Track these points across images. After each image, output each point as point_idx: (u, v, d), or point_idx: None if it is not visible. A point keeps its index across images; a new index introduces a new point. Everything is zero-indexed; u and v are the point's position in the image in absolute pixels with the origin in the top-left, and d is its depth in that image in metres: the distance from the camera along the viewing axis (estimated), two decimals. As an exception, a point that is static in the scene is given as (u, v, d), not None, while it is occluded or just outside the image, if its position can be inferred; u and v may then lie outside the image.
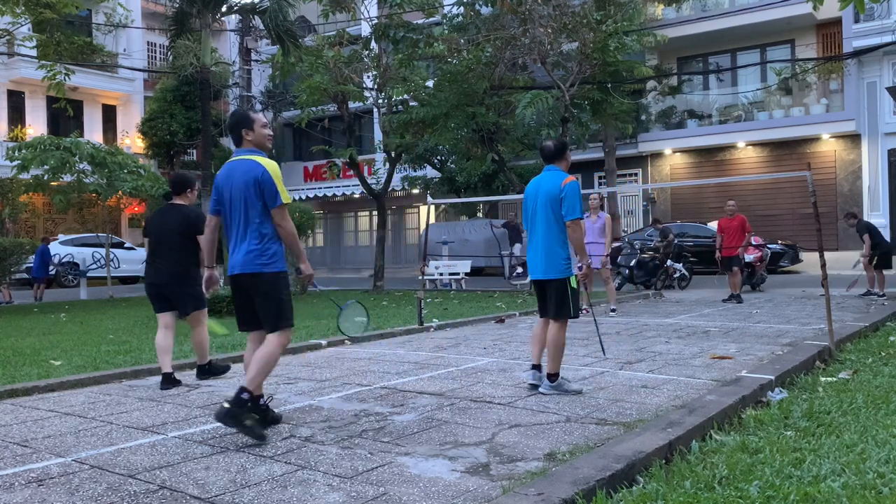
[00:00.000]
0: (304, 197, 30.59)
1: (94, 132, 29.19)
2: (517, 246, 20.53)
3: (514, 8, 14.01)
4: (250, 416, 4.12)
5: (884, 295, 12.15)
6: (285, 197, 4.33)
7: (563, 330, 5.28)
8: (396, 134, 17.38)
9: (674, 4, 24.39)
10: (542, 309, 5.46)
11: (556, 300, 5.24)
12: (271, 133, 4.57)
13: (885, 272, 12.58)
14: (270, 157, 4.52)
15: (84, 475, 3.63)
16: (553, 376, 5.25)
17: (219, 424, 4.54)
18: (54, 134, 23.05)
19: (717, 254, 12.77)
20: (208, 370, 6.20)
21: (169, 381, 5.79)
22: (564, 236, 5.26)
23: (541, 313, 5.50)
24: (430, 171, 25.80)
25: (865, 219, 21.51)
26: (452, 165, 23.93)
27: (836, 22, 21.87)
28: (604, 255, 11.05)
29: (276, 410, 4.65)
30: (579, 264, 5.49)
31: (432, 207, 15.46)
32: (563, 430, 4.21)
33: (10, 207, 23.74)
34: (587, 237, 11.13)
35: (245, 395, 4.12)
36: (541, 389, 5.28)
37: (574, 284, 5.28)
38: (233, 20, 30.59)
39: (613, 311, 11.05)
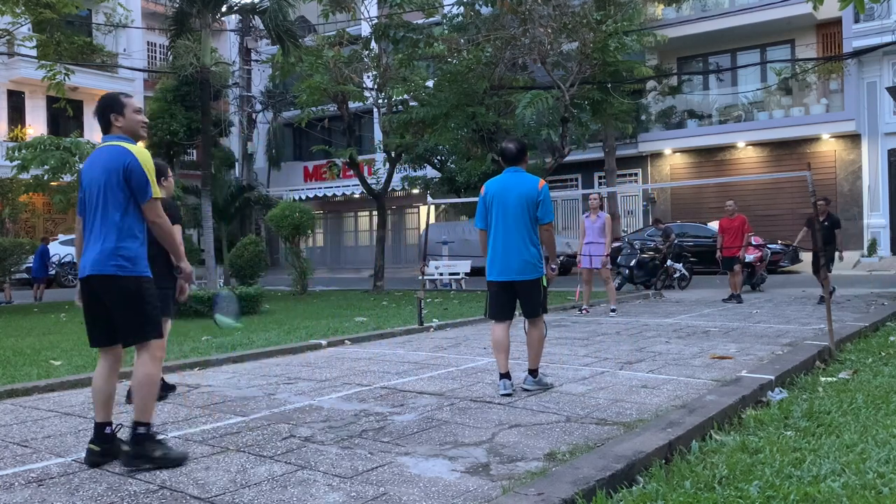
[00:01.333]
0: (304, 197, 30.58)
1: (94, 132, 29.14)
2: None
3: (514, 8, 14.01)
4: (157, 446, 3.71)
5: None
6: (157, 191, 3.83)
7: (542, 326, 5.42)
8: (396, 134, 17.38)
9: (674, 4, 24.40)
10: (504, 312, 5.42)
11: (534, 300, 5.35)
12: (146, 120, 4.05)
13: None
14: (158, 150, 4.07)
15: (84, 475, 3.63)
16: (535, 372, 5.42)
17: (220, 424, 4.55)
18: (54, 134, 23.06)
19: (719, 254, 12.78)
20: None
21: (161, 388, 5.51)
22: (537, 237, 5.36)
23: (500, 317, 5.41)
24: (430, 171, 25.79)
25: (866, 219, 21.66)
26: (452, 165, 23.92)
27: (836, 22, 21.86)
28: (604, 255, 11.06)
29: (124, 446, 3.84)
30: (553, 266, 5.63)
31: (432, 207, 15.46)
32: (563, 430, 4.21)
33: (10, 207, 23.74)
34: (587, 237, 11.17)
35: (141, 430, 3.68)
36: (525, 386, 5.38)
37: (545, 283, 5.41)
38: (233, 20, 30.60)
39: (613, 311, 11.05)
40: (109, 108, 3.92)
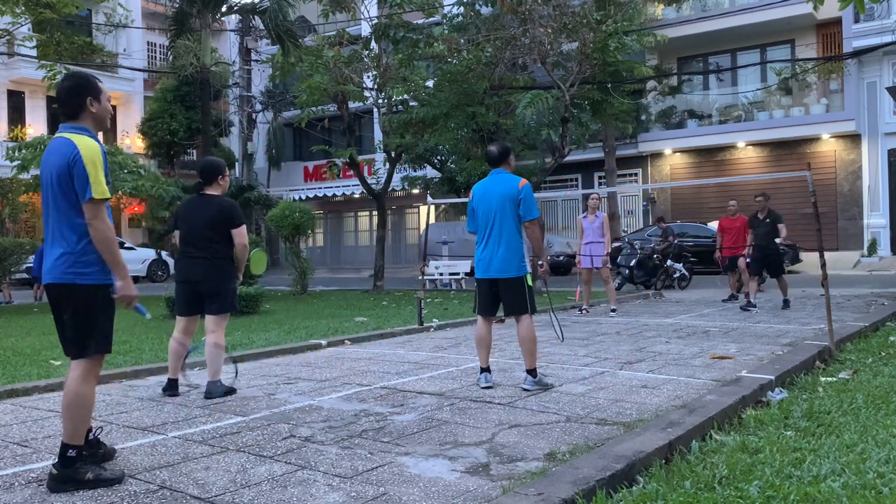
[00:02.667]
0: (304, 197, 30.58)
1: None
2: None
3: (514, 8, 14.00)
4: (88, 469, 3.41)
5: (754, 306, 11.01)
6: (99, 190, 3.35)
7: (531, 325, 5.44)
8: (396, 134, 17.38)
9: (674, 4, 24.39)
10: (487, 308, 5.59)
11: (517, 297, 5.43)
12: (111, 111, 3.73)
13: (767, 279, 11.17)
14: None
15: (84, 475, 3.62)
16: (533, 371, 5.42)
17: (220, 424, 4.55)
18: (54, 134, 23.06)
19: (717, 253, 12.74)
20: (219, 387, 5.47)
21: (174, 388, 5.56)
22: (521, 236, 5.50)
23: (484, 312, 5.60)
24: (430, 171, 25.79)
25: (866, 219, 21.64)
26: (452, 165, 23.93)
27: (836, 22, 21.86)
28: (604, 255, 11.06)
29: (108, 445, 3.89)
30: (540, 262, 5.83)
31: (432, 207, 15.46)
32: (563, 430, 4.21)
33: (10, 207, 23.74)
34: (587, 237, 11.17)
35: (72, 452, 3.39)
36: (525, 386, 5.40)
37: (530, 282, 5.48)
38: (233, 20, 30.60)
39: (613, 311, 11.05)
40: (87, 89, 3.54)
